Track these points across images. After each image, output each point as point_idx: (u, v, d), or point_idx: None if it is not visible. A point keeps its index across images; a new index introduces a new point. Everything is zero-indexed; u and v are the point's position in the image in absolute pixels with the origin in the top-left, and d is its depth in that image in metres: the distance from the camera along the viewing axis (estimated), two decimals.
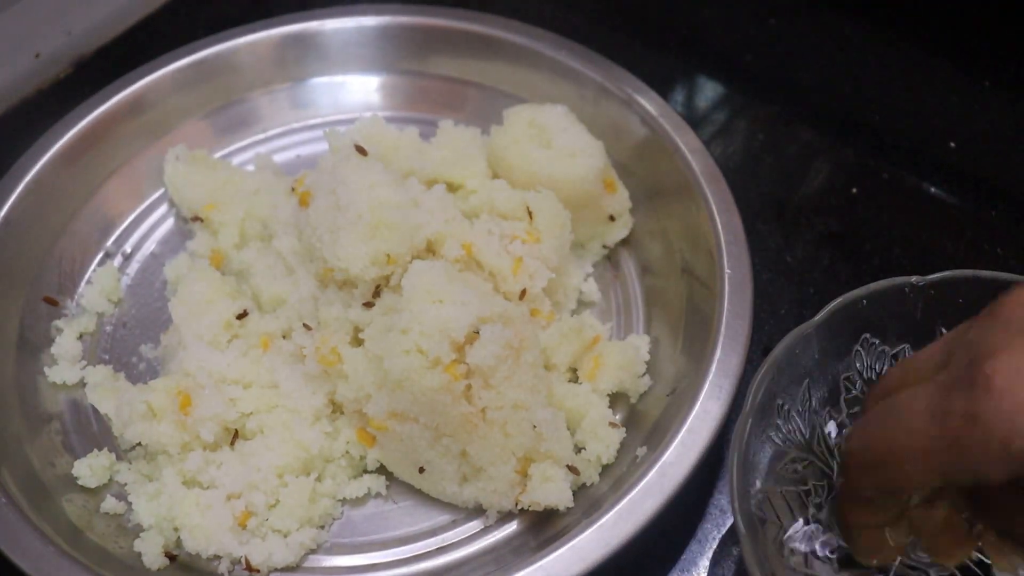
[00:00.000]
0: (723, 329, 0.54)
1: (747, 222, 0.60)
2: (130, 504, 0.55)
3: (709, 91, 0.79)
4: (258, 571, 0.52)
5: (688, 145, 0.62)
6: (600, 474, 0.54)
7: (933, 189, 0.71)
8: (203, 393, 0.54)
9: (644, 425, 0.56)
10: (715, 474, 0.57)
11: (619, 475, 0.53)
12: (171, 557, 0.52)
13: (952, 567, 0.47)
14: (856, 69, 0.80)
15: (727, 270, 0.57)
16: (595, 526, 0.48)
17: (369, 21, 0.72)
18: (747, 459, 0.47)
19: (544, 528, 0.53)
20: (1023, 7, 0.81)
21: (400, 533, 0.55)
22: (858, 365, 0.52)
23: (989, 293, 0.50)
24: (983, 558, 0.47)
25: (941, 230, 0.69)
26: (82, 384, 0.60)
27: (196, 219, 0.66)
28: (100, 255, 0.66)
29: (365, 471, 0.57)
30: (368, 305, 0.56)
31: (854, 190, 0.71)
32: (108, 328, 0.63)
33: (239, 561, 0.52)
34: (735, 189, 0.60)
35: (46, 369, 0.60)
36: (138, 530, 0.53)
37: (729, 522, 0.47)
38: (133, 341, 0.63)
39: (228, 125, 0.71)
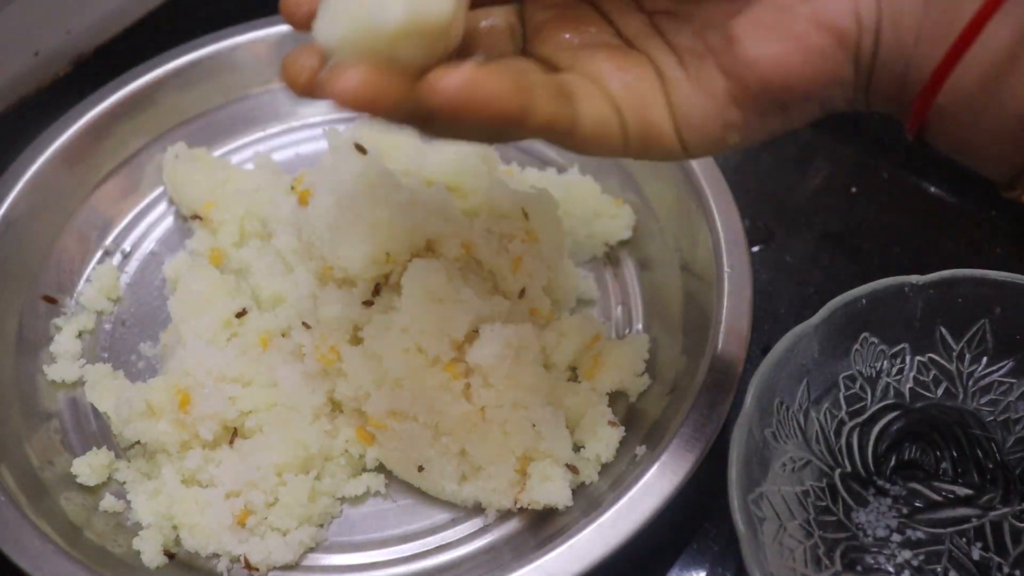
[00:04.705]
0: (723, 328, 0.54)
1: (746, 221, 0.60)
2: (129, 502, 0.55)
3: None
4: (257, 570, 0.52)
5: None
6: (599, 473, 0.54)
7: (933, 189, 0.71)
8: (202, 391, 0.54)
9: (643, 424, 0.56)
10: (715, 473, 0.57)
11: (618, 474, 0.53)
12: (170, 555, 0.52)
13: None
14: None
15: (727, 269, 0.57)
16: (594, 525, 0.48)
17: None
18: (746, 458, 0.47)
19: (543, 527, 0.53)
20: None
21: (399, 531, 0.55)
22: (857, 365, 0.52)
23: (989, 293, 0.50)
24: None
25: (941, 230, 0.69)
26: (81, 382, 0.60)
27: (195, 217, 0.66)
28: (99, 253, 0.66)
29: (364, 469, 0.57)
30: (367, 304, 0.55)
31: (853, 189, 0.71)
32: (107, 326, 0.63)
33: (238, 559, 0.52)
34: (735, 189, 0.60)
35: (45, 367, 0.60)
36: (137, 528, 0.53)
37: (729, 522, 0.47)
38: (132, 339, 0.63)
39: (227, 123, 0.71)
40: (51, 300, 0.62)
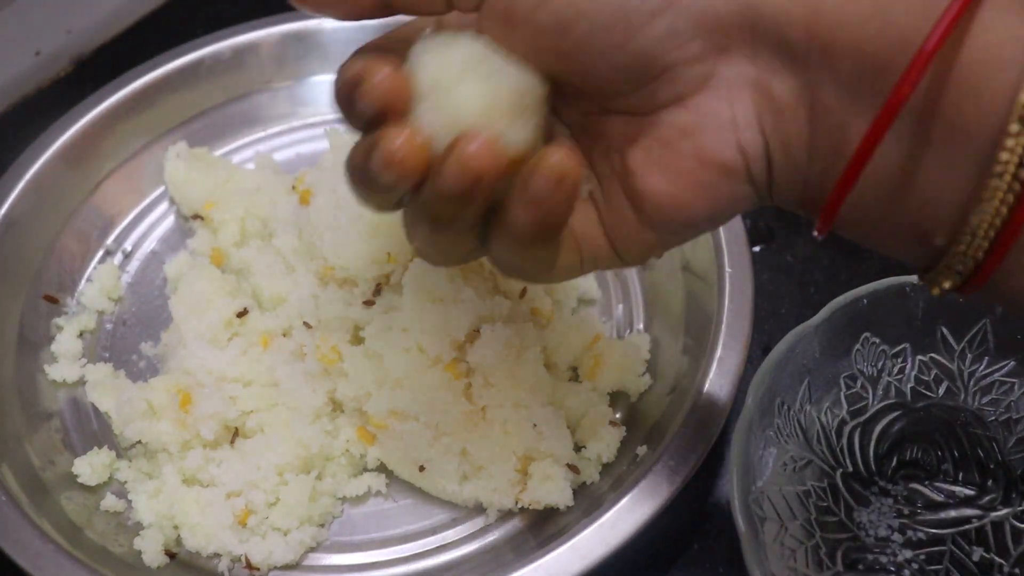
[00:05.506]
0: (723, 328, 0.54)
1: (747, 221, 0.59)
2: (130, 502, 0.55)
3: None
4: (258, 569, 0.52)
5: None
6: (600, 473, 0.54)
7: None
8: (203, 391, 0.54)
9: (644, 424, 0.56)
10: (715, 473, 0.57)
11: (619, 474, 0.53)
12: (171, 555, 0.52)
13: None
14: None
15: (727, 268, 0.57)
16: (595, 525, 0.48)
17: (370, 20, 0.72)
18: (747, 458, 0.47)
19: (544, 527, 0.53)
20: None
21: (400, 531, 0.55)
22: (858, 364, 0.52)
23: None
24: None
25: None
26: (82, 382, 0.60)
27: (196, 217, 0.66)
28: (100, 253, 0.66)
29: (365, 469, 0.56)
30: (368, 303, 0.56)
31: None
32: (108, 326, 0.63)
33: (239, 559, 0.52)
34: None
35: (46, 367, 0.60)
36: (138, 528, 0.53)
37: (729, 522, 0.47)
38: (133, 339, 0.63)
39: (228, 123, 0.71)
40: (52, 300, 0.62)
